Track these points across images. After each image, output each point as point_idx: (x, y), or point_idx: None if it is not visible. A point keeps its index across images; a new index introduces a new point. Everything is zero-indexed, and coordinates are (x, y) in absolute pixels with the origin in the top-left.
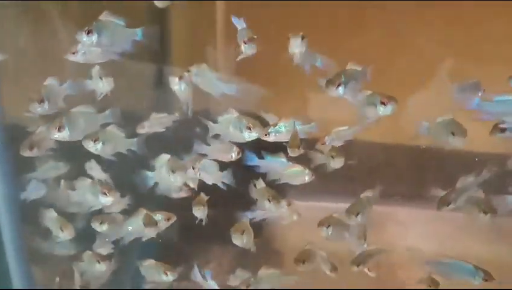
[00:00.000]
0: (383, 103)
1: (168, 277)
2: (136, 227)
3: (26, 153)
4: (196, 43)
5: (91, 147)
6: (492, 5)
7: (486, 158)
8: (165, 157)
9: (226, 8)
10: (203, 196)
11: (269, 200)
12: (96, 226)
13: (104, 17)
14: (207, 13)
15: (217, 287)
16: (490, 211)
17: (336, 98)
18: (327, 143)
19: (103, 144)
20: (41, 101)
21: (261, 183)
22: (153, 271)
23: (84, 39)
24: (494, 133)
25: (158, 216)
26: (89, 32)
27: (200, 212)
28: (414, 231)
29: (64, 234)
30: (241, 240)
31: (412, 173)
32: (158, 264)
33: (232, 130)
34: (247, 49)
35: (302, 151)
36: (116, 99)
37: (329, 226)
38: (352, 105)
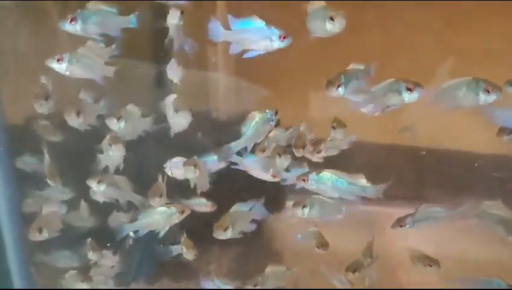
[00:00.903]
0: (409, 89)
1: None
2: (150, 220)
3: (36, 237)
4: (197, 43)
5: (114, 125)
6: (492, 4)
7: (487, 160)
8: None
9: (227, 8)
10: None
11: (279, 155)
12: (93, 185)
13: (93, 5)
14: (207, 13)
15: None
16: None
17: (337, 99)
18: (323, 152)
19: (125, 122)
20: (47, 98)
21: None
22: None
23: (67, 27)
24: (501, 135)
25: (172, 209)
26: (71, 20)
27: (190, 173)
28: (413, 232)
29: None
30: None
31: (411, 174)
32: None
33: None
34: (281, 45)
35: (307, 151)
36: (115, 100)
37: (304, 207)
38: (354, 105)
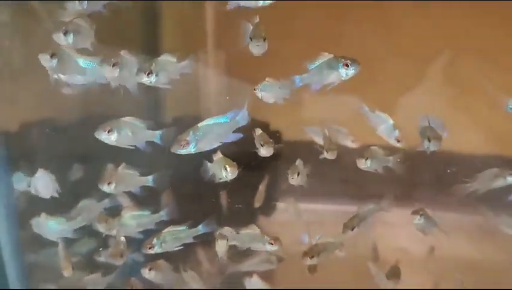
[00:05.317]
0: (346, 65)
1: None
2: None
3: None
4: (187, 43)
5: (145, 80)
6: (491, 4)
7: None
8: None
9: (216, 8)
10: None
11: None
12: None
13: None
14: (197, 13)
15: None
16: None
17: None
18: None
19: (156, 75)
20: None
21: None
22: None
23: None
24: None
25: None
26: None
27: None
28: (403, 232)
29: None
30: None
31: (402, 174)
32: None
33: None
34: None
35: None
36: (104, 101)
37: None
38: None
